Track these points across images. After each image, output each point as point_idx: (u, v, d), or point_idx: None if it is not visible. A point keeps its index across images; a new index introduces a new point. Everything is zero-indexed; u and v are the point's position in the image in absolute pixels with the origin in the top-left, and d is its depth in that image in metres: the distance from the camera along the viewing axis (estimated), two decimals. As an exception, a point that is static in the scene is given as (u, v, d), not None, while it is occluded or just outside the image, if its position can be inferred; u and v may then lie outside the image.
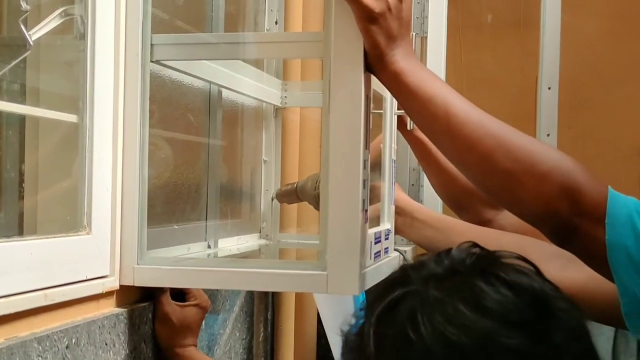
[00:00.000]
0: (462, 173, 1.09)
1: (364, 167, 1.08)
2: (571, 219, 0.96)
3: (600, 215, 0.95)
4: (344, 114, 1.07)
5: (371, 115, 1.39)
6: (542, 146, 1.01)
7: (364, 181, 1.08)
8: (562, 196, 0.96)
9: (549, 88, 1.91)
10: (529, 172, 0.97)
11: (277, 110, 1.86)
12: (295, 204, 1.90)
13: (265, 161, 1.84)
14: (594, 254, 0.97)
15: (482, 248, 0.86)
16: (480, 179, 1.05)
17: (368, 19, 1.03)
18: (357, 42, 1.05)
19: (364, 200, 1.08)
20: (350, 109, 1.07)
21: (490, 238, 1.37)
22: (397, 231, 1.52)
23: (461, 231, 1.43)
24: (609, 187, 0.98)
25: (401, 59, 1.05)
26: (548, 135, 1.89)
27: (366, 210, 1.11)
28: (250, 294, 1.74)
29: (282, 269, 1.12)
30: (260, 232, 1.81)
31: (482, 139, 1.00)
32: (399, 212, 1.50)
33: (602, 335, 1.43)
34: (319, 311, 1.97)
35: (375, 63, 1.06)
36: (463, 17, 2.29)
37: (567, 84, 1.98)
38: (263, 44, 1.24)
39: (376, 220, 1.42)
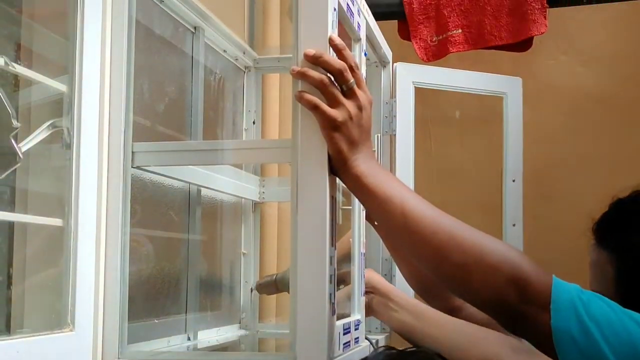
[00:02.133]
0: (419, 266, 1.17)
1: (330, 263, 1.16)
2: (519, 307, 1.05)
3: (546, 302, 1.04)
4: (310, 214, 1.15)
5: (341, 211, 1.48)
6: (491, 240, 1.11)
7: (330, 276, 1.16)
8: (510, 285, 1.05)
9: (514, 180, 2.01)
10: (479, 264, 1.07)
11: (256, 205, 1.94)
12: (274, 295, 1.97)
13: (244, 254, 1.91)
14: (542, 339, 1.05)
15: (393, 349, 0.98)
16: (436, 271, 1.14)
17: (332, 127, 1.13)
18: (322, 148, 1.15)
19: (330, 294, 1.16)
20: (316, 210, 1.15)
21: (458, 328, 1.45)
22: (372, 312, 1.58)
23: (434, 319, 1.50)
24: (553, 275, 1.07)
25: (362, 163, 1.15)
26: (514, 225, 1.98)
27: (333, 304, 1.18)
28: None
29: (254, 361, 1.19)
30: (239, 322, 1.87)
31: (435, 234, 1.09)
32: (375, 292, 1.57)
33: None
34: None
35: (338, 167, 1.15)
36: (432, 113, 2.41)
37: (531, 176, 2.08)
38: (236, 150, 1.33)
39: (348, 302, 1.50)
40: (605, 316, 1.03)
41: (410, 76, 1.93)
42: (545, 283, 1.05)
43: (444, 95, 2.14)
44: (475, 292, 1.08)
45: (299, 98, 1.14)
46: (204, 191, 1.66)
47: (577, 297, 1.04)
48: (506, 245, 1.13)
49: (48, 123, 1.17)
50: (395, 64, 1.91)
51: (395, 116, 1.87)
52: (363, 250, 1.52)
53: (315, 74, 1.12)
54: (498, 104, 2.10)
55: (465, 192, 2.33)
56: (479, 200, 2.25)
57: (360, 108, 1.15)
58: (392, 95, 1.89)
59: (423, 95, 2.04)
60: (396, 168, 1.87)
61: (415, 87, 1.93)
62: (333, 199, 1.19)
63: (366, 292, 1.53)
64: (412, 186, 1.87)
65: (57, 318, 1.14)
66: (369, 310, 1.56)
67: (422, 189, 1.95)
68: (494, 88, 2.09)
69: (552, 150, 2.39)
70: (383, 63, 1.89)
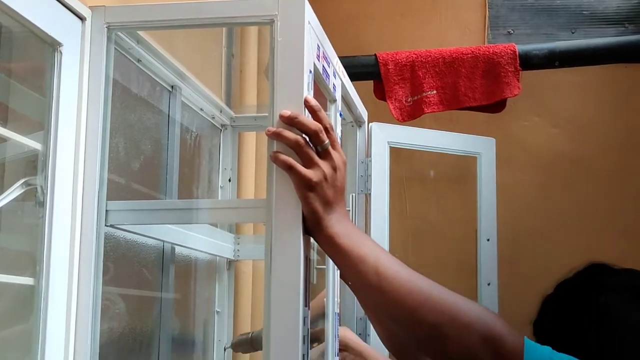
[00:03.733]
0: (393, 326, 1.17)
1: (304, 324, 1.15)
2: None
3: None
4: (284, 274, 1.15)
5: (315, 271, 1.48)
6: (465, 300, 1.11)
7: (303, 337, 1.15)
8: (484, 346, 1.05)
9: (488, 239, 2.02)
10: (453, 323, 1.07)
11: (230, 263, 1.94)
12: (249, 354, 1.95)
13: (217, 312, 1.90)
14: None
15: None
16: (410, 331, 1.14)
17: (306, 187, 1.13)
18: (297, 208, 1.15)
19: (303, 355, 1.15)
20: (290, 269, 1.15)
21: None
22: None
23: None
24: (525, 337, 1.07)
25: (336, 223, 1.15)
26: (489, 284, 1.98)
27: (306, 365, 1.17)
28: None
29: None
30: (213, 382, 1.85)
31: (410, 294, 1.10)
32: (349, 350, 1.56)
33: None
34: None
35: (312, 227, 1.16)
36: (407, 172, 2.43)
37: (505, 235, 2.09)
38: (210, 209, 1.33)
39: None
40: None
41: (386, 136, 1.94)
42: (518, 344, 1.06)
43: (418, 154, 2.16)
44: (449, 352, 1.07)
45: (274, 158, 1.14)
46: (178, 249, 1.65)
47: (549, 356, 1.05)
48: (480, 306, 1.14)
49: (22, 181, 1.17)
50: (370, 124, 1.93)
51: (370, 175, 1.89)
52: (337, 310, 1.51)
53: (290, 134, 1.13)
54: (472, 164, 2.12)
55: (440, 251, 2.34)
56: (453, 259, 2.25)
57: (334, 169, 1.16)
58: (368, 154, 1.90)
59: (398, 154, 2.06)
60: (371, 227, 1.88)
61: (390, 146, 1.95)
62: (307, 259, 1.19)
63: (340, 350, 1.52)
64: (386, 245, 1.88)
65: (26, 379, 1.12)
66: None
67: (397, 248, 1.96)
68: (468, 148, 2.12)
69: (527, 210, 2.41)
70: (359, 123, 1.91)
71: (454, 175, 2.44)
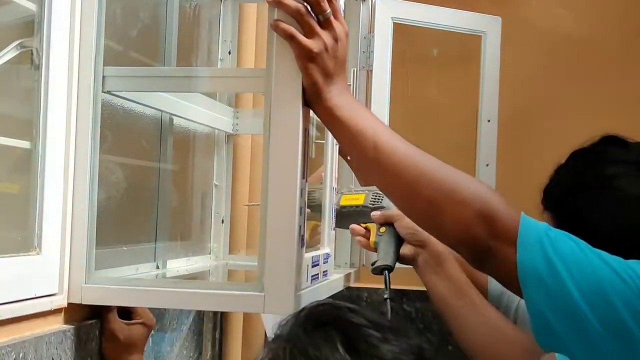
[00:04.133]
0: (390, 200, 1.17)
1: (301, 196, 1.16)
2: (487, 242, 1.05)
3: (513, 238, 1.05)
4: (282, 146, 1.14)
5: (314, 145, 1.48)
6: (463, 176, 1.11)
7: (300, 208, 1.15)
8: (479, 221, 1.05)
9: (489, 120, 2.01)
10: (449, 199, 1.07)
11: (229, 137, 1.93)
12: (246, 227, 1.97)
13: (216, 185, 1.90)
14: (508, 275, 1.06)
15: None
16: (406, 205, 1.14)
17: (307, 57, 1.11)
18: (296, 79, 1.13)
19: (300, 226, 1.16)
20: (288, 142, 1.14)
21: (494, 324, 1.36)
22: (415, 267, 1.46)
23: (475, 305, 1.38)
24: (522, 213, 1.07)
25: (336, 95, 1.14)
26: (487, 165, 1.98)
27: (302, 236, 1.18)
28: (200, 314, 1.80)
29: (221, 290, 1.19)
30: (210, 253, 1.88)
31: (407, 168, 1.09)
32: (426, 248, 1.43)
33: None
34: (266, 331, 2.03)
35: (312, 98, 1.14)
36: (410, 50, 2.39)
37: (506, 117, 2.08)
38: (208, 78, 1.31)
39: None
40: (572, 253, 1.03)
41: (390, 11, 1.90)
42: (514, 219, 1.06)
43: (422, 32, 2.11)
44: (445, 227, 1.08)
45: (275, 27, 1.12)
46: (176, 121, 1.64)
47: (545, 234, 1.05)
48: (478, 181, 1.14)
49: (16, 43, 1.14)
50: (374, -2, 1.89)
51: (372, 52, 1.86)
52: (335, 185, 1.52)
53: (291, 2, 1.10)
54: (476, 43, 2.08)
55: (439, 131, 2.33)
56: (453, 139, 2.24)
57: (336, 39, 1.13)
58: (370, 30, 1.87)
59: (401, 31, 2.01)
60: (371, 104, 1.86)
61: (394, 22, 1.91)
62: (306, 131, 1.18)
63: (417, 245, 1.44)
64: (386, 123, 1.86)
65: (24, 241, 1.13)
66: (412, 263, 1.46)
67: (397, 126, 1.93)
68: (473, 26, 2.07)
69: (529, 92, 2.38)
70: (362, -4, 1.86)
71: (458, 55, 2.40)
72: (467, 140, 2.07)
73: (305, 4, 1.11)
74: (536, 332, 1.05)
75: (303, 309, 0.97)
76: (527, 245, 1.04)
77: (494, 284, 1.57)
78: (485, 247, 1.05)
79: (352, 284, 1.84)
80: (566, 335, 1.02)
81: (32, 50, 1.16)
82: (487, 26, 2.07)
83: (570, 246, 1.04)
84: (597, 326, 1.00)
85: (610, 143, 1.30)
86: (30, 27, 1.16)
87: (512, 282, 1.05)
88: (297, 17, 1.10)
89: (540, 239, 1.04)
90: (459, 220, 1.06)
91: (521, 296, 1.06)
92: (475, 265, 1.11)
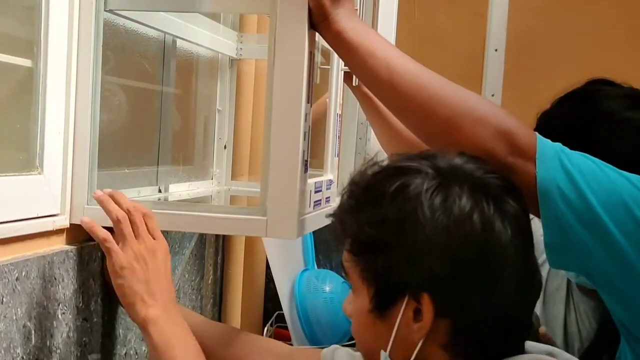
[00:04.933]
0: (403, 122, 1.15)
1: (305, 120, 1.14)
2: (507, 159, 1.04)
3: (532, 154, 1.04)
4: (287, 69, 1.12)
5: (318, 71, 1.46)
6: (476, 95, 1.10)
7: (304, 133, 1.14)
8: (497, 137, 1.04)
9: (496, 50, 1.98)
10: (466, 116, 1.05)
11: (232, 62, 1.90)
12: (248, 153, 1.97)
13: (219, 110, 1.89)
14: (526, 190, 1.04)
15: None
16: (421, 125, 1.12)
17: (313, -23, 1.08)
18: (302, 1, 1.10)
19: (304, 151, 1.15)
20: (293, 64, 1.12)
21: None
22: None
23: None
24: (536, 132, 1.07)
25: (344, 18, 1.11)
26: (493, 95, 1.97)
27: (306, 161, 1.17)
28: (202, 238, 1.81)
29: (224, 214, 1.19)
30: (212, 179, 1.87)
31: (422, 87, 1.07)
32: None
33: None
34: (267, 256, 2.05)
35: (319, 21, 1.12)
36: (417, -27, 2.35)
37: (513, 47, 2.05)
38: (211, -3, 1.28)
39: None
40: (589, 167, 1.04)
41: None
42: (531, 136, 1.06)
43: (431, -43, 2.07)
44: (462, 145, 1.05)
45: None
46: (180, 43, 1.62)
47: (561, 150, 1.05)
48: (492, 102, 1.13)
49: (16, -42, 1.11)
50: None
51: (379, -25, 1.81)
52: (339, 112, 1.51)
53: None
54: (486, -31, 2.04)
55: (446, 60, 2.29)
56: (459, 68, 2.20)
57: None
58: (379, -46, 1.82)
59: (410, -44, 1.97)
60: (378, 30, 1.83)
61: (402, -54, 1.86)
62: (311, 54, 1.16)
63: None
64: (393, 49, 1.83)
65: (25, 160, 1.13)
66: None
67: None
68: (483, -48, 2.02)
69: (538, 22, 2.34)
70: None
71: (466, -19, 2.36)
72: (474, 68, 2.05)
73: None
74: (549, 247, 1.06)
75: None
76: (546, 160, 1.03)
77: None
78: (505, 163, 1.04)
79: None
80: (586, 246, 1.02)
81: (32, -36, 1.13)
82: (498, -49, 2.02)
83: (586, 161, 1.05)
84: (619, 236, 1.01)
85: (602, 83, 1.32)
86: (30, -59, 1.13)
87: (530, 199, 1.04)
88: None
89: (558, 154, 1.04)
90: (478, 137, 1.04)
91: (537, 216, 1.05)
92: None
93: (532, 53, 2.35)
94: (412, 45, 2.23)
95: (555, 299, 1.52)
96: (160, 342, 1.09)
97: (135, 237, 1.12)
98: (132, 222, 1.13)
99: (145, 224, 1.14)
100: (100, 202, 1.14)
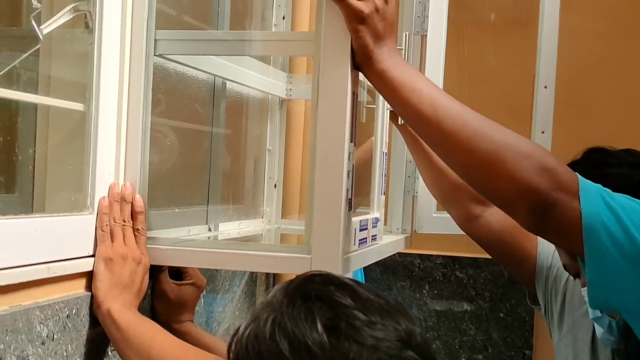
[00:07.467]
0: (446, 160, 1.15)
1: (349, 159, 1.16)
2: (550, 194, 1.03)
3: (575, 191, 1.04)
4: (330, 109, 1.14)
5: (365, 110, 1.47)
6: (517, 134, 1.09)
7: (348, 172, 1.16)
8: (541, 173, 1.04)
9: (545, 87, 1.96)
10: (509, 151, 1.05)
11: (282, 102, 1.94)
12: (298, 191, 1.99)
13: (269, 150, 1.92)
14: (569, 226, 1.04)
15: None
16: (464, 161, 1.10)
17: (357, 19, 1.10)
18: (345, 42, 1.12)
19: (347, 190, 1.16)
20: (336, 105, 1.14)
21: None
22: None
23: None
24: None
25: (387, 57, 1.13)
26: (543, 132, 1.95)
27: (350, 199, 1.18)
28: (252, 277, 1.82)
29: (269, 252, 1.20)
30: (262, 217, 1.89)
31: (465, 124, 1.08)
32: None
33: (582, 328, 1.50)
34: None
35: (362, 61, 1.13)
36: (466, 14, 2.35)
37: (563, 83, 2.02)
38: (258, 41, 1.31)
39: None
40: (631, 206, 1.04)
41: (446, -25, 1.87)
42: (572, 173, 1.06)
43: (480, -4, 2.08)
44: (505, 179, 1.05)
45: None
46: (230, 85, 1.65)
47: (602, 189, 1.06)
48: (531, 141, 1.13)
49: (70, 6, 1.16)
50: (430, -38, 1.86)
51: (427, 16, 1.83)
52: (385, 150, 1.52)
53: None
54: (534, 6, 2.03)
55: (495, 97, 2.29)
56: (509, 105, 2.20)
57: (386, 1, 1.12)
58: (426, -6, 1.84)
59: (458, -5, 1.98)
60: (425, 69, 1.84)
61: (449, -14, 1.88)
62: (355, 94, 1.17)
63: None
64: (441, 87, 1.84)
65: (78, 200, 1.16)
66: None
67: (452, 91, 1.91)
68: (532, -10, 2.02)
69: (588, 57, 2.31)
70: (418, -40, 1.84)
71: (515, 18, 2.35)
72: (523, 105, 2.03)
73: (355, -35, 1.10)
74: (592, 284, 1.05)
75: (298, 277, 0.94)
76: (590, 197, 1.03)
77: (542, 256, 1.56)
78: (549, 199, 1.03)
79: (404, 250, 1.84)
80: (629, 282, 1.02)
81: (85, 13, 1.18)
82: (546, -11, 2.02)
83: (627, 200, 1.05)
84: None
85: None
86: (84, -10, 1.18)
87: (571, 236, 1.04)
88: None
89: (600, 192, 1.05)
90: (521, 171, 1.04)
91: (577, 252, 1.05)
92: (533, 221, 1.07)
93: (583, 89, 2.33)
94: (461, 82, 2.24)
95: None
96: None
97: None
98: None
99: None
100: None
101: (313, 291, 0.89)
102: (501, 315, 2.31)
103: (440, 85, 1.85)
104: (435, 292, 2.36)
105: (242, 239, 1.68)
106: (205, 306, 1.56)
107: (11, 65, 1.06)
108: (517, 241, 1.56)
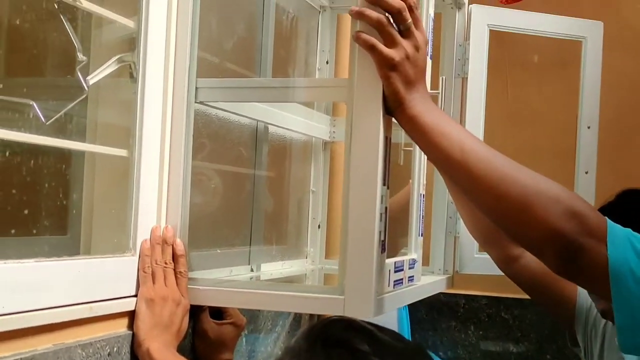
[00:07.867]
0: (475, 203, 1.16)
1: (381, 202, 1.18)
2: (577, 239, 1.05)
3: (603, 236, 1.05)
4: (363, 153, 1.17)
5: (402, 152, 1.50)
6: (547, 178, 1.11)
7: (380, 214, 1.18)
8: (570, 218, 1.05)
9: (589, 127, 1.96)
10: (538, 195, 1.07)
11: (326, 144, 1.98)
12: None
13: (313, 191, 1.95)
14: (596, 271, 1.05)
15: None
16: (493, 205, 1.12)
17: (388, 67, 1.14)
18: (378, 88, 1.16)
19: (380, 232, 1.19)
20: (369, 149, 1.17)
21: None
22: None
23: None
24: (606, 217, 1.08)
25: (418, 103, 1.15)
26: (587, 172, 1.94)
27: (383, 241, 1.21)
28: (296, 316, 1.85)
29: (303, 292, 1.23)
30: (306, 258, 1.93)
31: (494, 168, 1.09)
32: None
33: None
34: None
35: (394, 107, 1.16)
36: (509, 56, 2.37)
37: (607, 124, 2.02)
38: (295, 88, 1.36)
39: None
40: None
41: (486, 19, 1.89)
42: (601, 218, 1.07)
43: (521, 38, 2.09)
44: (534, 224, 1.07)
45: (356, 38, 1.15)
46: (272, 128, 1.70)
47: (631, 234, 1.06)
48: (560, 185, 1.14)
49: (116, 57, 1.22)
50: (470, 6, 1.88)
51: (467, 59, 1.85)
52: (422, 192, 1.54)
53: (373, 13, 1.13)
54: (577, 48, 2.05)
55: (539, 138, 2.30)
56: (552, 146, 2.21)
57: (417, 48, 1.15)
58: (466, 37, 1.87)
59: (500, 38, 2.00)
60: (466, 111, 1.86)
61: (490, 29, 1.90)
62: (387, 139, 1.20)
63: None
64: (482, 130, 1.86)
65: (120, 242, 1.21)
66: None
67: (495, 132, 1.93)
68: (574, 32, 2.03)
69: (631, 97, 2.31)
70: (458, 4, 1.87)
71: (557, 60, 2.36)
72: (567, 146, 2.03)
73: (386, 14, 1.14)
74: (622, 329, 1.05)
75: (320, 321, 0.97)
76: (617, 242, 1.04)
77: (582, 298, 1.56)
78: (577, 244, 1.04)
79: (446, 290, 1.85)
80: None
81: (130, 64, 1.24)
82: (588, 31, 2.03)
83: None
84: None
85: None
86: (129, 42, 1.24)
87: (600, 281, 1.04)
88: (378, 27, 1.13)
89: (629, 237, 1.05)
90: (550, 215, 1.05)
91: (605, 297, 1.05)
92: (561, 265, 1.09)
93: (626, 129, 2.32)
94: (504, 123, 2.25)
95: None
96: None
97: None
98: None
99: None
100: None
101: (333, 337, 0.92)
102: (548, 357, 2.29)
103: (481, 127, 1.87)
104: (481, 332, 2.36)
105: (285, 279, 1.71)
106: (247, 345, 1.59)
107: (58, 115, 1.12)
108: (557, 283, 1.56)
